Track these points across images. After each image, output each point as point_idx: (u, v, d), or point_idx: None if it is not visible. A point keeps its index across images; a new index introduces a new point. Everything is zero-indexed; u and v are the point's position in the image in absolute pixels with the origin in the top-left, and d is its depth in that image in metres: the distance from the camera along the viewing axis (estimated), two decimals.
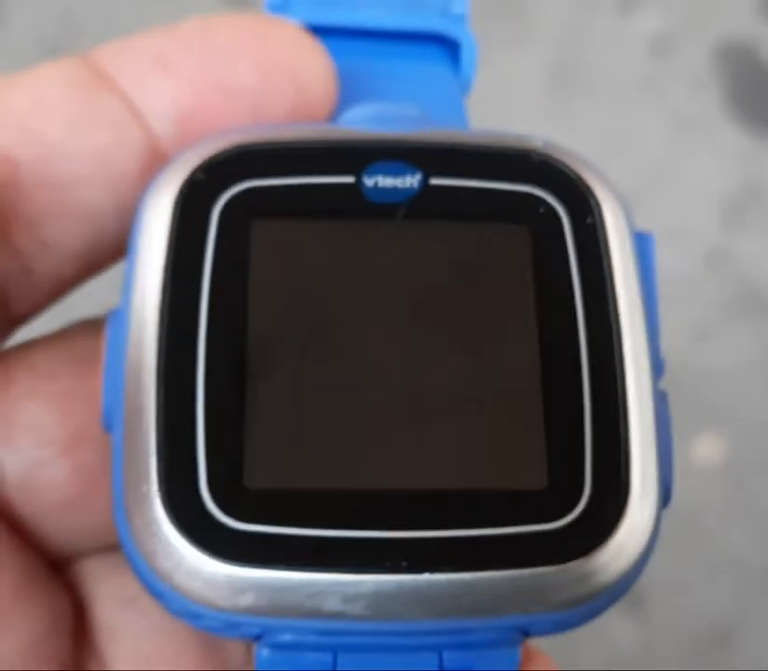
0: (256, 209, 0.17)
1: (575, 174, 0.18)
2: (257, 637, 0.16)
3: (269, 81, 0.18)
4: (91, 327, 0.20)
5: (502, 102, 0.55)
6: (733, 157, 0.55)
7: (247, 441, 0.16)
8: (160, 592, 0.16)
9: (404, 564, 0.15)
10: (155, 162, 0.18)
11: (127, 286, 0.17)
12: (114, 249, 0.19)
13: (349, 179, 0.17)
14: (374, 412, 0.16)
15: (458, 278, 0.17)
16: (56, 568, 0.19)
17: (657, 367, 0.17)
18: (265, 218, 0.17)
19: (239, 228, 0.17)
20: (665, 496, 0.16)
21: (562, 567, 0.15)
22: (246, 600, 0.15)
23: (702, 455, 0.53)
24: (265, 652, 0.16)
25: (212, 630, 0.16)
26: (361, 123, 0.18)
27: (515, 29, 0.56)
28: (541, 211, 0.17)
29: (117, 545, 0.20)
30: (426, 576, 0.15)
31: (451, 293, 0.17)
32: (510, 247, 0.17)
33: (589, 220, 0.17)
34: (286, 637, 0.15)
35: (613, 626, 0.50)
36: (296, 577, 0.15)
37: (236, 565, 0.15)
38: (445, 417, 0.16)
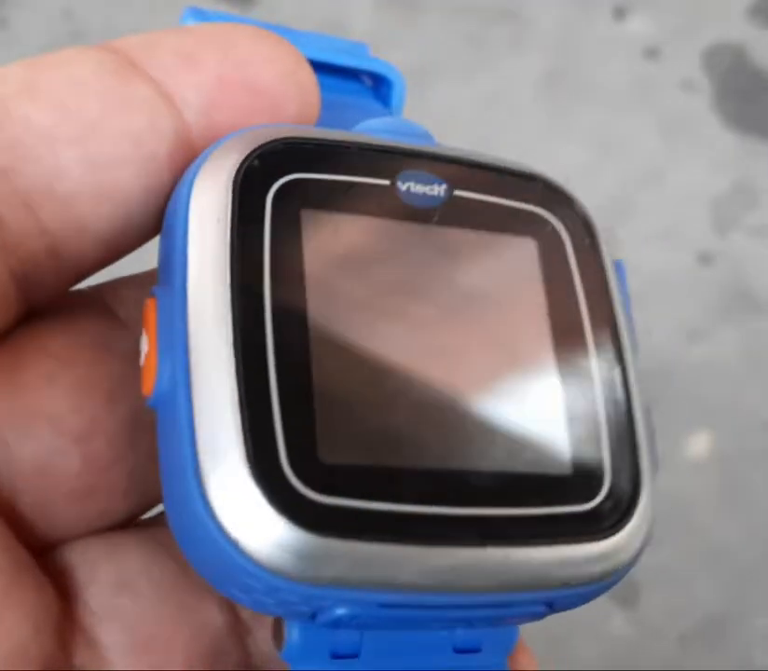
0: (306, 198, 0.18)
1: (573, 200, 0.20)
2: (314, 615, 0.16)
3: (284, 84, 0.19)
4: (99, 310, 0.20)
5: (499, 105, 0.56)
6: (725, 159, 0.55)
7: (319, 419, 0.16)
8: (238, 566, 0.16)
9: (469, 538, 0.16)
10: (184, 148, 0.18)
11: (175, 262, 0.17)
12: (138, 232, 0.19)
13: (386, 182, 0.18)
14: (420, 399, 0.17)
15: (481, 277, 0.19)
16: (43, 555, 0.19)
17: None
18: (314, 208, 0.18)
19: (291, 216, 0.17)
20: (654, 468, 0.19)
21: (598, 544, 0.17)
22: (329, 571, 0.15)
23: (694, 451, 0.53)
24: (295, 634, 0.17)
25: (283, 605, 0.16)
26: (381, 134, 0.19)
27: (512, 33, 0.56)
28: (548, 229, 0.19)
29: (109, 528, 0.20)
30: (489, 550, 0.16)
31: (476, 290, 0.19)
32: (522, 256, 0.19)
33: (586, 241, 0.20)
34: (341, 611, 0.16)
35: (607, 621, 0.51)
36: (377, 549, 0.16)
37: (324, 536, 0.15)
38: (479, 409, 0.18)
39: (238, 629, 0.20)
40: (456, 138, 0.61)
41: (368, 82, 0.23)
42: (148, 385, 0.17)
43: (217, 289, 0.16)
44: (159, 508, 0.20)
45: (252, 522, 0.15)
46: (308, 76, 0.19)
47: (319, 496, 0.16)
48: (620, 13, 0.57)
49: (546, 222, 0.19)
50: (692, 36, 0.56)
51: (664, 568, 0.52)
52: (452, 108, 0.56)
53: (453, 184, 0.19)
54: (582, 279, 0.19)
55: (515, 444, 0.18)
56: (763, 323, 0.54)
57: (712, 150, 0.55)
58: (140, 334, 0.18)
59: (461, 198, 0.19)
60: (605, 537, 0.17)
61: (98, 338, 0.19)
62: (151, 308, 0.17)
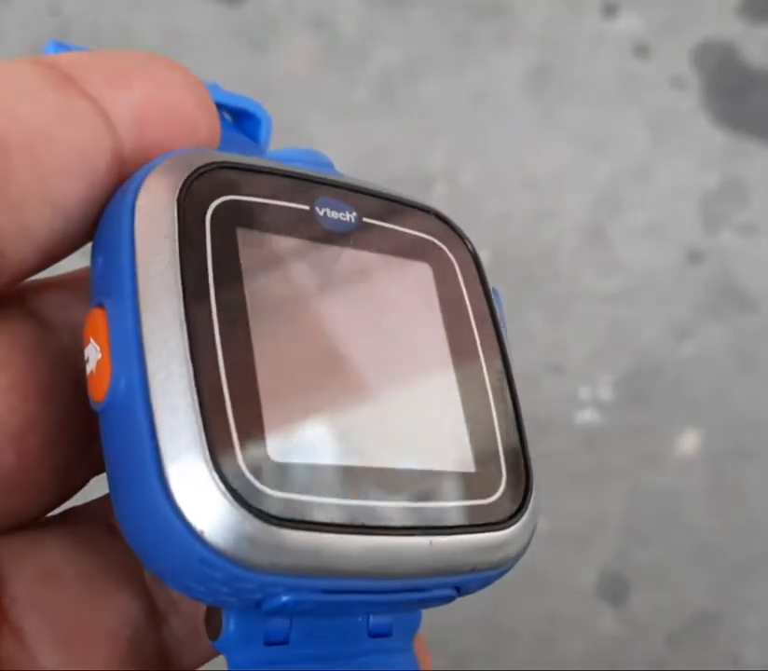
0: (239, 219, 0.19)
1: (460, 233, 0.23)
2: (259, 603, 0.18)
3: (199, 110, 0.20)
4: (25, 312, 0.20)
5: (487, 102, 0.56)
6: (714, 157, 0.55)
7: (267, 420, 0.18)
8: (201, 558, 0.17)
9: (401, 528, 0.18)
10: (119, 164, 0.19)
11: (123, 275, 0.18)
12: (73, 241, 0.19)
13: (306, 207, 0.20)
14: (353, 406, 0.19)
15: (390, 295, 0.21)
16: None
17: None
18: (247, 228, 0.19)
19: (228, 234, 0.19)
20: None
21: (501, 533, 0.19)
22: (285, 560, 0.17)
23: (683, 449, 0.53)
24: (232, 623, 0.19)
25: (237, 593, 0.18)
26: (293, 162, 0.21)
27: (500, 30, 0.56)
28: (441, 256, 0.22)
29: (30, 521, 0.20)
30: (417, 538, 0.19)
31: (388, 307, 0.21)
32: (422, 279, 0.22)
33: (473, 269, 0.22)
34: (285, 598, 0.18)
35: (596, 619, 0.51)
36: (326, 538, 0.17)
37: (281, 527, 0.17)
38: (395, 413, 0.20)
39: (154, 618, 0.21)
40: (444, 135, 0.61)
41: (228, 117, 0.24)
42: (101, 391, 0.18)
43: (170, 301, 0.18)
44: (66, 504, 0.22)
45: (216, 516, 0.17)
46: (213, 106, 0.21)
47: (274, 491, 0.17)
48: (609, 10, 0.57)
49: (440, 250, 0.22)
50: (681, 34, 0.56)
51: (653, 567, 0.52)
52: (440, 104, 0.56)
53: (361, 212, 0.21)
54: (470, 300, 0.22)
55: (431, 446, 0.20)
56: (752, 321, 0.54)
57: (701, 148, 0.55)
58: (83, 342, 0.19)
59: (370, 225, 0.21)
60: (506, 527, 0.19)
61: (29, 341, 0.20)
62: (101, 319, 0.18)
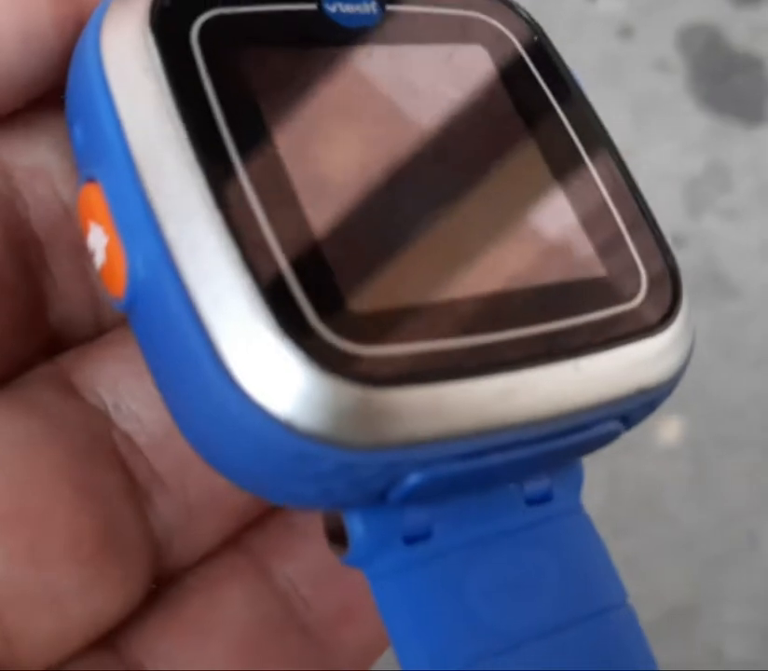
0: (234, 36, 0.16)
1: (507, 2, 0.19)
2: (384, 493, 0.15)
3: None
4: None
5: None
6: (699, 140, 0.55)
7: (334, 267, 0.15)
8: (299, 450, 0.14)
9: (533, 358, 0.15)
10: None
11: (104, 131, 0.15)
12: (14, 86, 0.16)
13: (312, 6, 0.17)
14: (425, 222, 0.16)
15: (444, 90, 0.17)
16: None
17: None
18: (244, 45, 0.16)
19: (224, 57, 0.16)
20: None
21: (656, 339, 0.16)
22: (403, 428, 0.14)
23: (664, 438, 0.53)
24: (359, 527, 0.15)
25: (355, 485, 0.14)
26: None
27: None
28: (495, 32, 0.18)
29: None
30: (559, 365, 0.15)
31: (441, 105, 0.17)
32: (477, 63, 0.18)
33: (535, 38, 0.18)
34: (415, 478, 0.14)
35: None
36: (447, 390, 0.14)
37: (389, 388, 0.14)
38: (487, 223, 0.16)
39: (135, 495, 0.18)
40: None
41: None
42: (119, 281, 0.15)
43: (174, 146, 0.14)
44: None
45: (303, 394, 0.13)
46: None
47: (366, 347, 0.14)
48: None
49: (491, 26, 0.18)
50: (665, 16, 0.56)
51: (631, 557, 0.51)
52: None
53: (381, 0, 0.17)
54: (542, 76, 0.18)
55: (540, 255, 0.16)
56: (735, 307, 0.54)
57: (685, 131, 0.55)
58: (82, 232, 0.15)
59: (395, 13, 0.17)
60: (660, 331, 0.16)
61: None
62: (95, 194, 0.15)
